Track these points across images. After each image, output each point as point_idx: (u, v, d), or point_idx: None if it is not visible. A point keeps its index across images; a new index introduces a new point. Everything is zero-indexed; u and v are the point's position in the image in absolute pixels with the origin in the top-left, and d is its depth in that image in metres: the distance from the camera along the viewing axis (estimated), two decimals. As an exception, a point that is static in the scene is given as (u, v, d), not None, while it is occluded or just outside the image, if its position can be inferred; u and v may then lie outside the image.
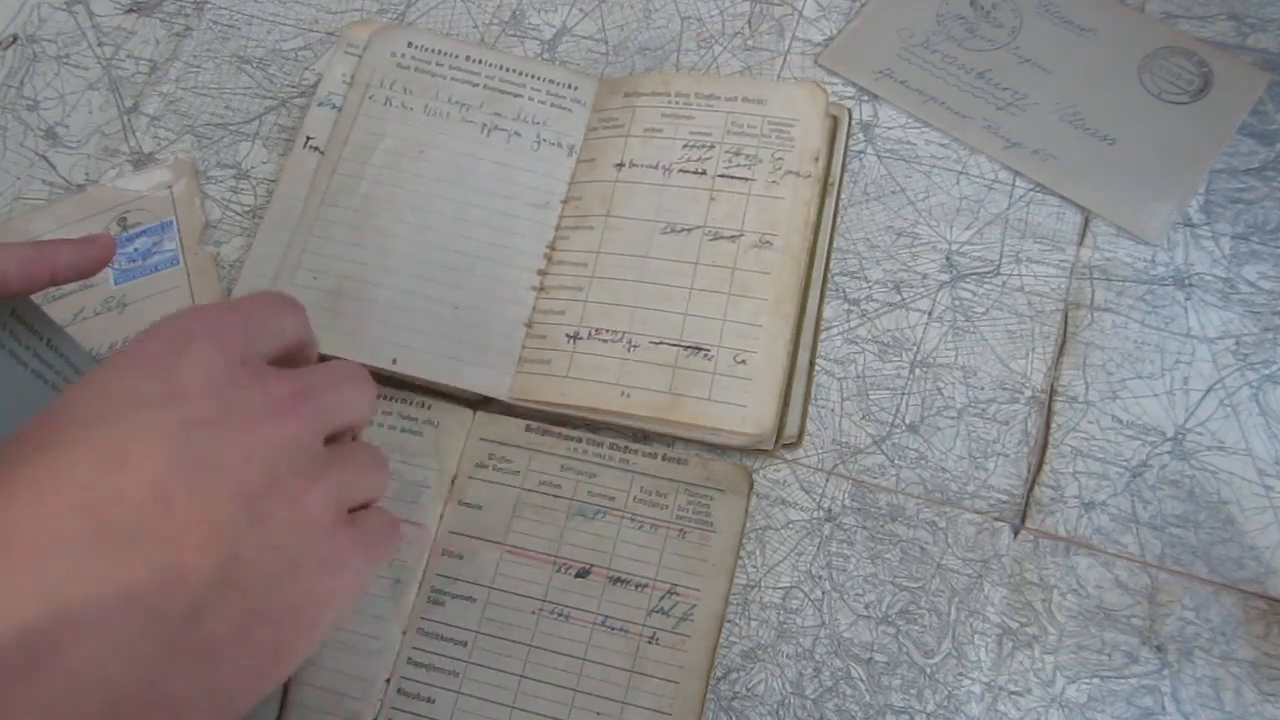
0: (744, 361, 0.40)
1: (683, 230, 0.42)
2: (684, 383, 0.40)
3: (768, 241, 0.42)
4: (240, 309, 0.29)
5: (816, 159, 0.43)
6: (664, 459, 0.40)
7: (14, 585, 0.22)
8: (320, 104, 0.46)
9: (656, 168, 0.44)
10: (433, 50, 0.46)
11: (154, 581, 0.23)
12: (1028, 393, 0.41)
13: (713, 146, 0.44)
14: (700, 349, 0.40)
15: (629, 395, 0.40)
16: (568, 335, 0.41)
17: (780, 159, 0.43)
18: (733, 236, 0.42)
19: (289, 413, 0.27)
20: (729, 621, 0.38)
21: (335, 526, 0.27)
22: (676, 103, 0.45)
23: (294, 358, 0.31)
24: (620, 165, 0.44)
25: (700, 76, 0.47)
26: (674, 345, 0.41)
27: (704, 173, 0.43)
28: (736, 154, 0.43)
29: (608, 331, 0.41)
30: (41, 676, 0.22)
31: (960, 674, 0.37)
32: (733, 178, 0.43)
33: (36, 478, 0.23)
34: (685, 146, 0.44)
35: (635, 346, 0.41)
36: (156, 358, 0.26)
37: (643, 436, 0.41)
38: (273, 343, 0.29)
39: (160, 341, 0.26)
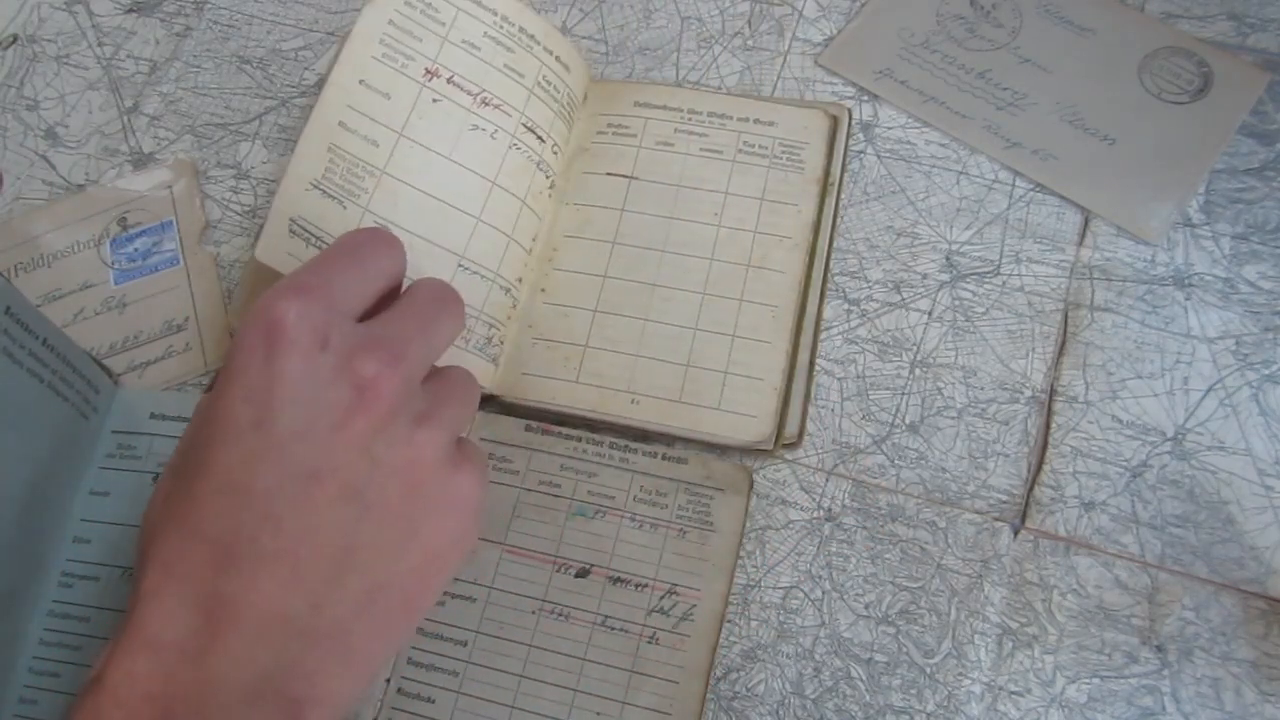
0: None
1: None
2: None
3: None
4: (326, 276, 0.29)
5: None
6: (664, 458, 0.40)
7: (179, 600, 0.27)
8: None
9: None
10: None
11: (275, 592, 0.27)
12: (1028, 393, 0.41)
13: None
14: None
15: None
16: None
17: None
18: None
19: (379, 395, 0.28)
20: (729, 621, 0.38)
21: (444, 474, 0.29)
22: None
23: (389, 291, 0.32)
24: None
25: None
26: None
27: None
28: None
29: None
30: (205, 660, 0.26)
31: (960, 674, 0.37)
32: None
33: (184, 509, 0.28)
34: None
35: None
36: (247, 374, 0.28)
37: (642, 436, 0.41)
38: (360, 301, 0.30)
39: (249, 354, 0.28)
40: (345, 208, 0.39)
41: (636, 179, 0.44)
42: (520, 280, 0.43)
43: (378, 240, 0.32)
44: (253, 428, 0.27)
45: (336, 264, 0.30)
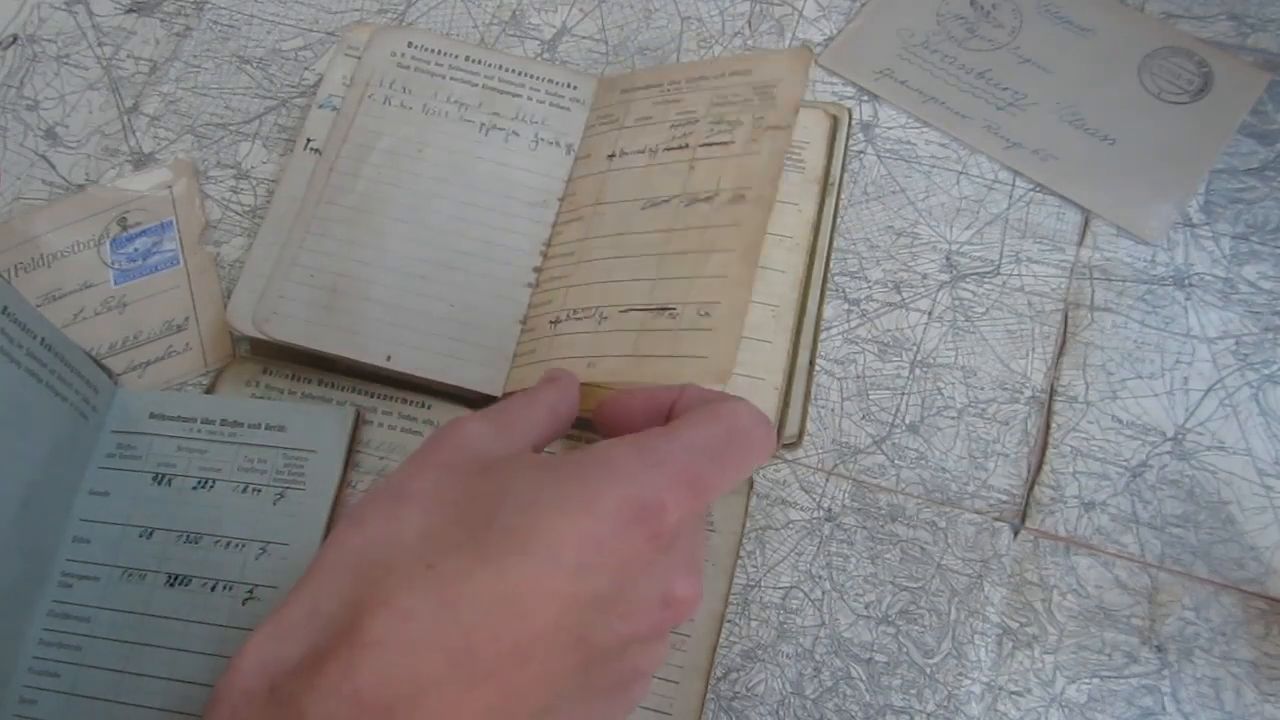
0: (707, 314, 0.39)
1: (661, 203, 0.42)
2: (647, 344, 0.39)
3: (741, 196, 0.41)
4: (661, 454, 0.28)
5: (796, 110, 0.42)
6: (663, 459, 0.40)
7: (394, 691, 0.23)
8: (321, 106, 0.46)
9: (644, 152, 0.44)
10: (432, 50, 0.46)
11: (483, 714, 0.24)
12: (1028, 393, 0.41)
13: (697, 121, 0.44)
14: (666, 309, 0.40)
15: (593, 365, 0.39)
16: (550, 322, 0.41)
17: (761, 117, 0.42)
18: (708, 198, 0.41)
19: (676, 612, 0.28)
20: (729, 621, 0.38)
21: (659, 635, 0.29)
22: (669, 90, 0.45)
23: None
24: (612, 155, 0.44)
25: (693, 63, 0.47)
26: (643, 310, 0.40)
27: (686, 146, 0.43)
28: (718, 123, 0.43)
29: (583, 310, 0.41)
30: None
31: (960, 674, 0.37)
32: (713, 144, 0.43)
33: (445, 603, 0.24)
34: (672, 126, 0.44)
35: (605, 318, 0.40)
36: (625, 512, 0.26)
37: (642, 436, 0.41)
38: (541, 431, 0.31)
39: (622, 497, 0.26)
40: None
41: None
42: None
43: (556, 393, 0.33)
44: (568, 572, 0.25)
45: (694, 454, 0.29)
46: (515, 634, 0.24)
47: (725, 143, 0.42)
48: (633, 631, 0.27)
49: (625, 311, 0.40)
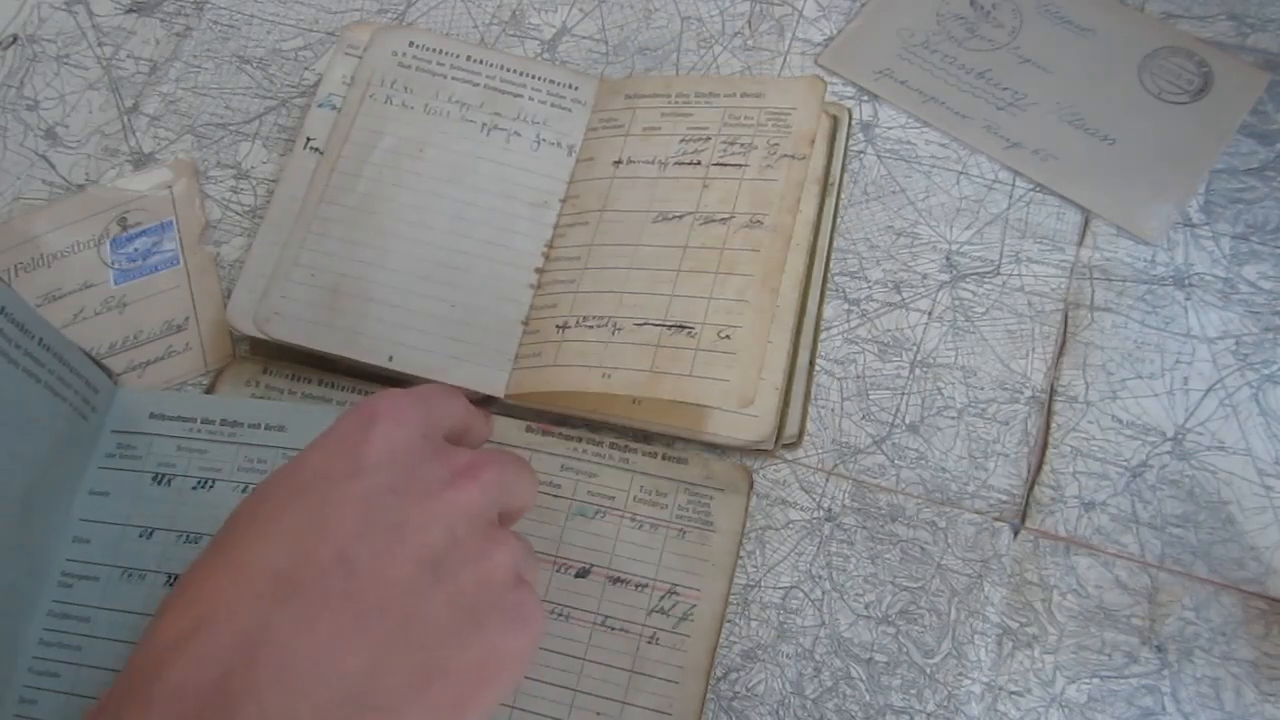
0: (728, 337, 0.39)
1: (674, 217, 0.42)
2: (665, 360, 0.39)
3: (758, 221, 0.41)
4: (421, 394, 0.31)
5: (812, 142, 0.42)
6: (664, 458, 0.40)
7: (213, 638, 0.24)
8: (320, 105, 0.46)
9: (653, 162, 0.44)
10: (434, 50, 0.46)
11: (334, 637, 0.25)
12: (1028, 393, 0.41)
13: (709, 139, 0.44)
14: (684, 327, 0.40)
15: (609, 376, 0.39)
16: (557, 326, 0.41)
17: (776, 144, 0.43)
18: (724, 219, 0.42)
19: (469, 479, 0.29)
20: (729, 621, 0.38)
21: (518, 584, 0.29)
22: (677, 102, 0.45)
23: (461, 440, 0.33)
24: (618, 162, 0.44)
25: (701, 77, 0.47)
26: (658, 325, 0.40)
27: (699, 163, 0.43)
28: (732, 143, 0.43)
29: (594, 318, 0.41)
30: (237, 717, 0.23)
31: (960, 674, 0.37)
32: (727, 164, 0.43)
33: (241, 549, 0.27)
34: (682, 141, 0.44)
35: (619, 329, 0.40)
36: (346, 437, 0.29)
37: (643, 436, 0.41)
38: (448, 421, 0.32)
39: (349, 422, 0.29)
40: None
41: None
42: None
43: (452, 390, 0.34)
44: (345, 477, 0.28)
45: (425, 390, 0.32)
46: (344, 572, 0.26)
47: (739, 165, 0.43)
48: (439, 503, 0.28)
49: (641, 325, 0.40)
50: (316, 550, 0.26)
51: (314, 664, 0.25)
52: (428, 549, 0.27)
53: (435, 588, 0.27)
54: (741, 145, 0.43)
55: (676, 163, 0.43)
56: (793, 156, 0.42)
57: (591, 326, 0.41)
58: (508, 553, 0.29)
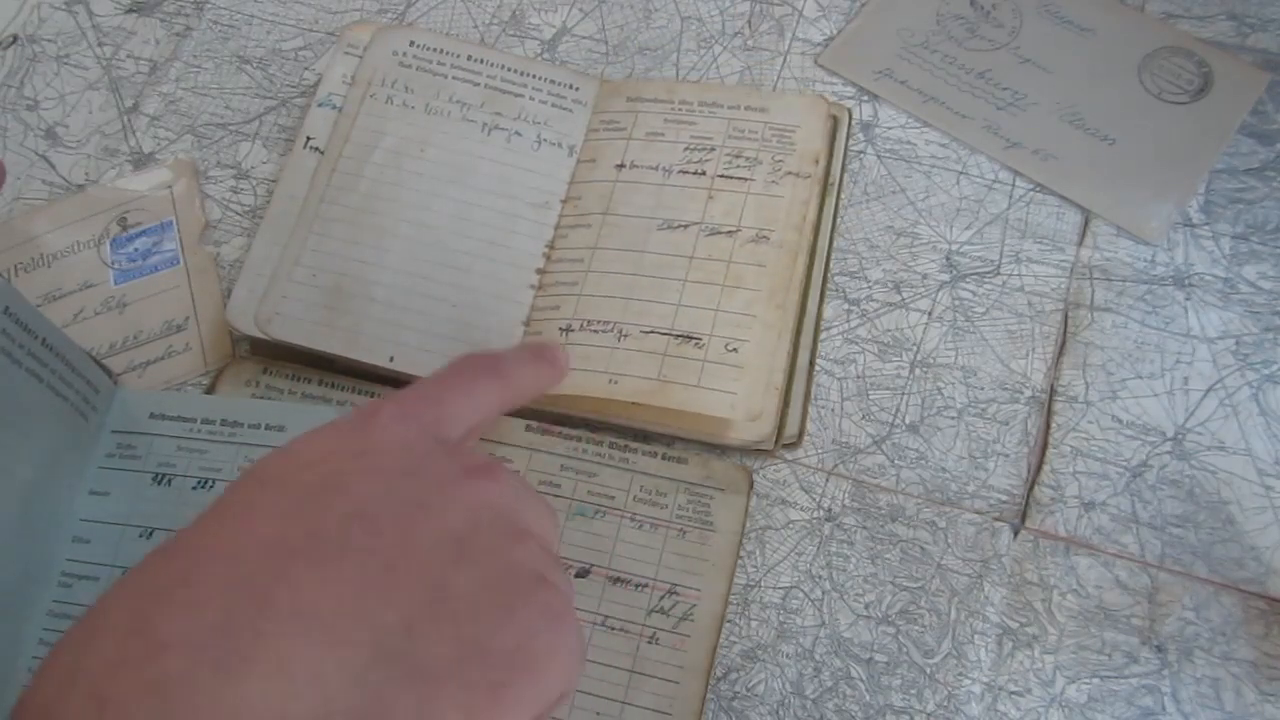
0: (735, 350, 0.40)
1: (680, 226, 0.42)
2: (673, 369, 0.40)
3: (764, 236, 0.42)
4: (431, 392, 0.29)
5: (817, 161, 0.43)
6: (664, 458, 0.40)
7: (207, 583, 0.22)
8: (320, 104, 0.46)
9: (657, 169, 0.44)
10: (435, 49, 0.46)
11: (365, 586, 0.22)
12: (1028, 393, 0.41)
13: (713, 149, 0.44)
14: (691, 337, 0.40)
15: (616, 382, 0.40)
16: (560, 329, 0.41)
17: (780, 161, 0.43)
18: (730, 231, 0.42)
19: (487, 476, 0.27)
20: (729, 621, 0.38)
21: (546, 581, 0.26)
22: (680, 109, 0.45)
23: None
24: (621, 166, 0.44)
25: (704, 85, 0.47)
26: (665, 334, 0.40)
27: (703, 173, 0.44)
28: (737, 156, 0.44)
29: (599, 323, 0.41)
30: (252, 672, 0.20)
31: (960, 674, 0.37)
32: (732, 177, 0.43)
33: (251, 508, 0.24)
34: (686, 149, 0.44)
35: (626, 336, 0.41)
36: (347, 424, 0.26)
37: (642, 436, 0.41)
38: (463, 425, 0.29)
39: (351, 415, 0.27)
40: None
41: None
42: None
43: (478, 367, 0.31)
44: (355, 455, 0.25)
45: (436, 384, 0.29)
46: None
47: (744, 178, 0.43)
48: (458, 489, 0.26)
49: (648, 333, 0.40)
50: (332, 504, 0.24)
51: (341, 613, 0.22)
52: (449, 529, 0.25)
53: (460, 564, 0.24)
54: (746, 159, 0.43)
55: (681, 171, 0.44)
56: (797, 174, 0.43)
57: (597, 331, 0.41)
58: (533, 554, 0.26)
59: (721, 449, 0.41)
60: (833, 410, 0.41)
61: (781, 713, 0.37)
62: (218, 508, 0.24)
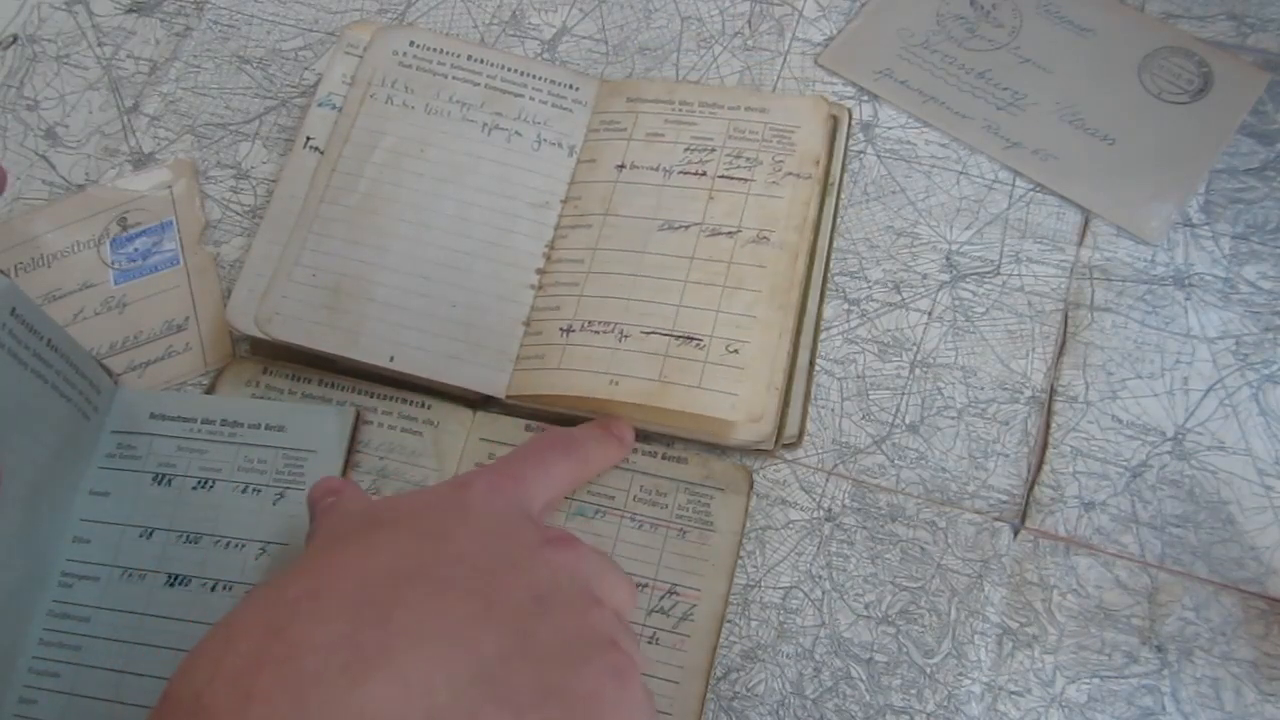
0: (736, 351, 0.40)
1: (680, 227, 0.42)
2: (674, 371, 0.40)
3: (765, 237, 0.42)
4: (515, 470, 0.33)
5: (817, 162, 0.43)
6: (664, 458, 0.40)
7: (334, 599, 0.25)
8: (320, 104, 0.46)
9: (657, 169, 0.44)
10: (435, 49, 0.46)
11: (469, 618, 0.26)
12: (1028, 393, 0.41)
13: (714, 150, 0.44)
14: (692, 338, 0.40)
15: (617, 383, 0.40)
16: (561, 329, 0.41)
17: (781, 161, 0.43)
18: (730, 232, 0.42)
19: (565, 546, 0.30)
20: (729, 621, 0.38)
21: (616, 645, 0.29)
22: (680, 110, 0.45)
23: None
24: (621, 166, 0.44)
25: (704, 85, 0.47)
26: (666, 335, 0.40)
27: (704, 174, 0.44)
28: (737, 157, 0.44)
29: (600, 323, 0.41)
30: (376, 677, 0.24)
31: (960, 674, 0.37)
32: (732, 178, 0.43)
33: (369, 541, 0.28)
34: (687, 150, 0.44)
35: (626, 337, 0.41)
36: (446, 489, 0.31)
37: (643, 436, 0.41)
38: (541, 500, 0.34)
39: (447, 483, 0.32)
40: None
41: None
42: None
43: (555, 446, 0.36)
44: (455, 514, 0.29)
45: (517, 462, 0.34)
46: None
47: (745, 179, 0.43)
48: (540, 552, 0.30)
49: (649, 334, 0.40)
50: (441, 549, 0.27)
51: (449, 636, 0.25)
52: (533, 585, 0.28)
53: (543, 617, 0.27)
54: (747, 160, 0.43)
55: (681, 171, 0.44)
56: (798, 175, 0.43)
57: (598, 332, 0.41)
58: (607, 620, 0.29)
59: (721, 449, 0.41)
60: (833, 410, 0.41)
61: (781, 713, 0.37)
62: (335, 540, 0.29)
